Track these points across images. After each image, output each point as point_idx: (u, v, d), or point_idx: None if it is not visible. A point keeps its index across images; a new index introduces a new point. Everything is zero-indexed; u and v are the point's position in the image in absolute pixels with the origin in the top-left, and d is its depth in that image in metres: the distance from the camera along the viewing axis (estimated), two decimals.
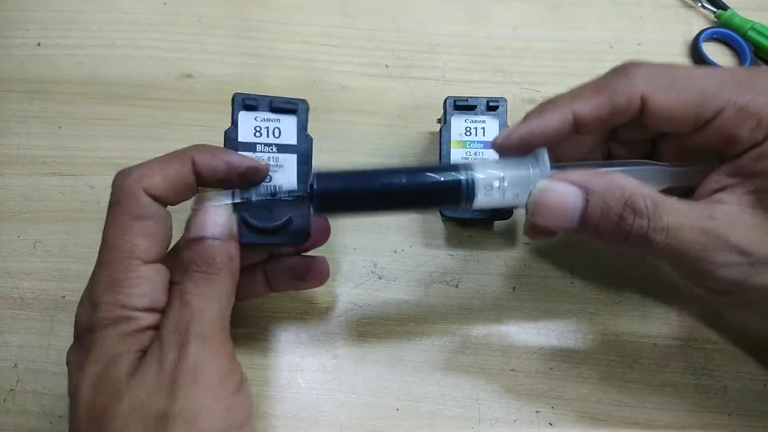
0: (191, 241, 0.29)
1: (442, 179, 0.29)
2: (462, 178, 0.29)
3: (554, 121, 0.30)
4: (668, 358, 0.37)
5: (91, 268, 0.39)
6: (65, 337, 0.38)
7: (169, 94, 0.46)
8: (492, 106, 0.40)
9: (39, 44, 0.48)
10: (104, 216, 0.41)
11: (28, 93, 0.46)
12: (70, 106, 0.46)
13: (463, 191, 0.29)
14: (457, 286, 0.40)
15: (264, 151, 0.34)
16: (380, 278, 0.40)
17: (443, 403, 0.36)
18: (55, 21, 0.49)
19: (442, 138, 0.39)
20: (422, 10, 0.51)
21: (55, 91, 0.46)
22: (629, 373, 0.37)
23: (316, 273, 0.35)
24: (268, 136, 0.35)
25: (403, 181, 0.29)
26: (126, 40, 0.48)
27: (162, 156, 0.29)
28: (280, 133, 0.35)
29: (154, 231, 0.28)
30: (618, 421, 0.36)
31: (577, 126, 0.30)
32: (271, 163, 0.34)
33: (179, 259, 0.29)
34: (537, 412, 0.36)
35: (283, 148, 0.35)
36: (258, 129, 0.35)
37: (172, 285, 0.28)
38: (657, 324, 0.38)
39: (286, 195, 0.30)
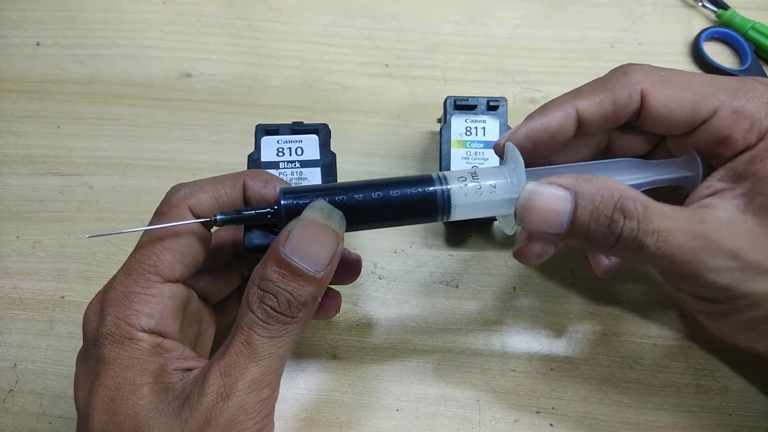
0: (283, 263, 0.25)
1: (415, 192, 0.28)
2: (436, 188, 0.28)
3: (558, 118, 0.29)
4: (669, 359, 0.37)
5: (90, 268, 0.40)
6: (64, 337, 0.38)
7: (168, 93, 0.46)
8: (492, 106, 0.40)
9: (38, 44, 0.48)
10: (103, 216, 0.42)
11: (27, 92, 0.46)
12: (69, 106, 0.46)
13: (439, 202, 0.28)
14: (457, 287, 0.39)
15: (287, 168, 0.36)
16: (380, 278, 0.40)
17: (444, 403, 0.36)
18: (54, 21, 0.49)
19: (442, 138, 0.39)
20: (422, 9, 0.51)
21: (54, 91, 0.46)
22: (630, 373, 0.37)
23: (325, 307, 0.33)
24: (291, 155, 0.36)
25: (372, 195, 0.27)
26: (125, 40, 0.48)
27: (216, 176, 0.29)
28: (302, 151, 0.36)
29: (186, 250, 0.27)
30: (619, 422, 0.35)
31: (581, 123, 0.30)
32: (295, 177, 0.36)
33: (256, 286, 0.25)
34: (537, 412, 0.36)
35: (306, 163, 0.36)
36: (280, 150, 0.36)
37: (238, 317, 0.25)
38: (658, 324, 0.38)
39: (252, 213, 0.28)
